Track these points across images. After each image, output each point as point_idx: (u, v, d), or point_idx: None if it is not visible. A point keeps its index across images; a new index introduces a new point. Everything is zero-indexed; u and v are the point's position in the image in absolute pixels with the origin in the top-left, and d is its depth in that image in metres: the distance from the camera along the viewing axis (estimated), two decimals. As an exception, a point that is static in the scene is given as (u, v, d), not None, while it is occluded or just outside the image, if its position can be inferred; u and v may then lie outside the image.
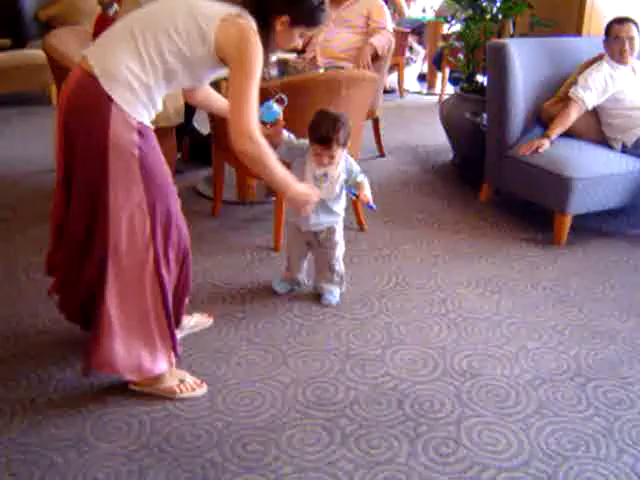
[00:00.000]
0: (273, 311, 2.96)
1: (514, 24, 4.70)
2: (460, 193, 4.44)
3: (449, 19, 4.93)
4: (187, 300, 2.48)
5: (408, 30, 6.98)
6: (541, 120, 4.07)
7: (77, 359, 2.51)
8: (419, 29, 7.72)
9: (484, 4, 4.61)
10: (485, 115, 4.31)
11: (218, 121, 3.74)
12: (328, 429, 2.26)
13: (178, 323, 2.44)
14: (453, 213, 4.10)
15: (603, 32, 3.94)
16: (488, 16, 4.63)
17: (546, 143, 3.84)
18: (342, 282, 3.07)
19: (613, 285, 3.29)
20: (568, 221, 3.69)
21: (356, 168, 2.86)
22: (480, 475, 2.09)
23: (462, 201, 4.29)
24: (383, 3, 4.85)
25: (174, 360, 2.38)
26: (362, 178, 2.83)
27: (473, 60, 4.78)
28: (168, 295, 2.25)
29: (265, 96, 2.65)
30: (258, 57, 2.09)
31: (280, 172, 2.28)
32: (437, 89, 7.38)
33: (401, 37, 6.85)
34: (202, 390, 2.42)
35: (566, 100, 3.92)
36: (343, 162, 2.82)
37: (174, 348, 2.34)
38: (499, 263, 3.47)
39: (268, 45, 2.18)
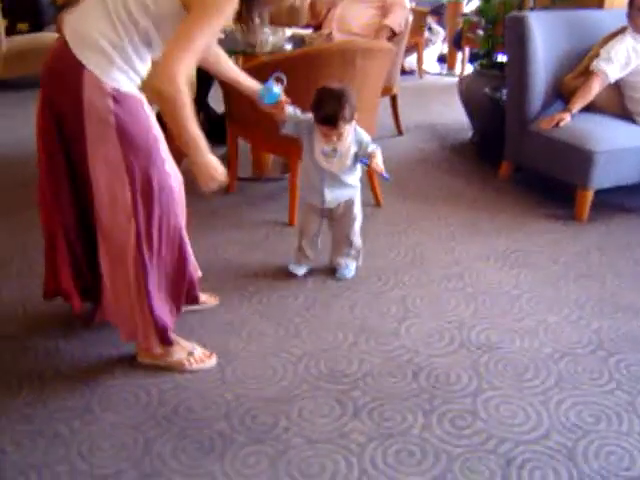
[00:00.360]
0: (286, 285, 2.90)
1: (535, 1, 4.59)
2: (479, 170, 4.35)
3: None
4: (189, 286, 2.37)
5: (427, 8, 6.87)
6: (562, 95, 3.97)
7: (86, 331, 2.47)
8: (438, 9, 7.59)
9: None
10: (505, 91, 4.21)
11: (232, 95, 3.69)
12: (340, 401, 2.20)
13: (178, 310, 2.35)
14: (472, 190, 4.02)
15: (626, 5, 3.81)
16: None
17: (567, 117, 3.74)
18: (359, 256, 3.01)
19: (637, 260, 3.19)
20: (590, 196, 3.60)
21: (366, 138, 2.75)
22: (497, 448, 2.02)
23: (481, 178, 4.20)
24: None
25: (172, 339, 2.31)
26: (373, 148, 2.74)
27: (493, 36, 4.67)
28: (149, 278, 2.16)
29: (266, 73, 2.60)
30: (226, 5, 1.90)
31: (194, 131, 1.98)
32: (457, 70, 7.26)
33: (420, 16, 6.75)
34: (212, 362, 2.37)
35: (588, 74, 3.81)
36: (352, 135, 2.73)
37: (162, 332, 2.26)
38: (519, 238, 3.39)
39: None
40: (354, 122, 2.70)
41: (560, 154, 3.68)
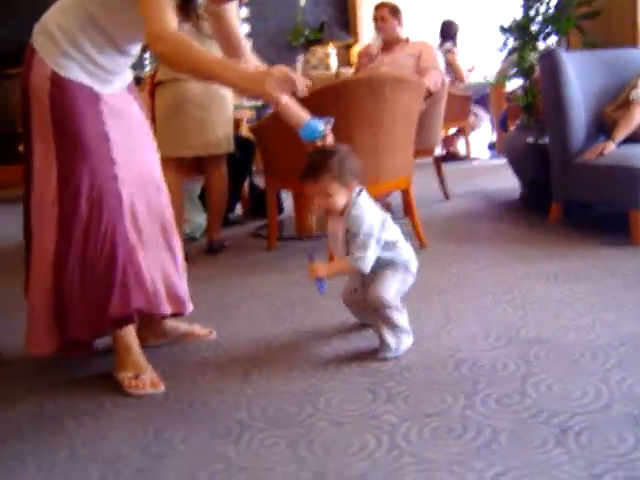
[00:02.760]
0: (321, 307, 2.73)
1: (568, 45, 4.57)
2: (528, 217, 4.16)
3: (500, 49, 4.81)
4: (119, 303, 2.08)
5: (471, 93, 6.91)
6: (604, 127, 3.84)
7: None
8: (483, 98, 7.65)
9: (534, 30, 4.49)
10: (547, 138, 4.11)
11: (268, 147, 3.70)
12: (373, 390, 2.00)
13: (103, 316, 2.07)
14: (520, 232, 3.83)
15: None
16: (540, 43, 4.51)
17: (611, 146, 3.60)
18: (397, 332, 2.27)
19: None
20: (643, 217, 3.38)
21: (362, 222, 2.14)
22: (549, 420, 1.76)
23: (530, 223, 4.01)
24: (433, 45, 4.88)
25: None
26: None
27: (530, 89, 4.62)
28: (63, 273, 2.05)
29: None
30: None
31: (218, 67, 1.91)
32: (506, 153, 7.18)
33: (464, 102, 6.80)
34: (157, 390, 2.08)
35: (628, 104, 3.70)
36: (347, 216, 2.17)
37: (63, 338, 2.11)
38: (571, 261, 3.15)
39: None
40: (354, 196, 2.19)
41: (607, 179, 3.51)
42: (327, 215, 2.29)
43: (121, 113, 2.14)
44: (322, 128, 2.25)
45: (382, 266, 2.23)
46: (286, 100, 2.01)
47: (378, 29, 4.90)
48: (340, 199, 2.16)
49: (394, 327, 2.22)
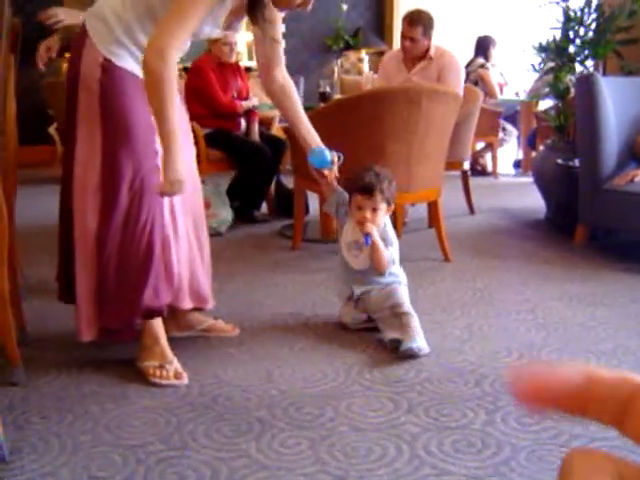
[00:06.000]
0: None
1: (604, 69, 4.55)
2: (554, 238, 4.16)
3: (535, 69, 4.81)
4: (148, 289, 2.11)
5: (501, 109, 6.91)
6: (636, 155, 3.84)
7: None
8: (512, 115, 7.64)
9: (572, 52, 4.49)
10: (577, 160, 4.10)
11: (298, 148, 3.71)
12: (394, 400, 2.01)
13: (136, 306, 2.10)
14: (545, 251, 3.83)
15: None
16: (577, 65, 4.50)
17: (642, 173, 3.59)
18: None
19: None
20: (672, 247, 3.37)
21: (393, 239, 2.54)
22: (569, 443, 1.78)
23: (555, 243, 4.01)
24: (459, 65, 4.39)
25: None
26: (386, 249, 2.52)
27: (564, 110, 4.62)
28: (102, 258, 2.07)
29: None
30: None
31: (173, 118, 1.87)
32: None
33: (493, 117, 6.79)
34: (181, 381, 2.10)
35: (661, 133, 3.70)
36: (382, 228, 2.52)
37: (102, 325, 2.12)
38: (595, 285, 3.16)
39: None
40: (387, 214, 2.55)
41: (635, 207, 3.52)
42: (360, 225, 2.47)
43: None
44: (330, 159, 2.42)
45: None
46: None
47: (404, 49, 4.26)
48: (383, 215, 2.50)
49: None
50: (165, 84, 1.85)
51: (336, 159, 2.46)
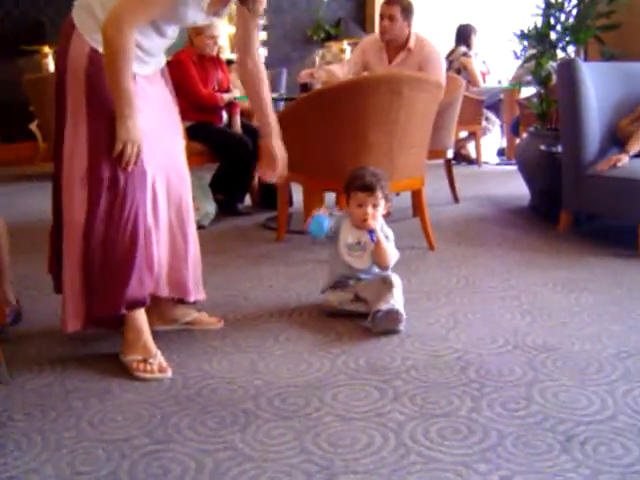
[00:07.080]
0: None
1: (586, 55, 4.56)
2: (537, 224, 4.16)
3: (517, 56, 4.80)
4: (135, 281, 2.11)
5: (484, 98, 6.90)
6: (618, 140, 3.84)
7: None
8: (495, 104, 7.64)
9: (553, 38, 4.49)
10: (560, 146, 4.11)
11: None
12: (380, 388, 2.01)
13: (122, 296, 2.09)
14: (529, 238, 3.83)
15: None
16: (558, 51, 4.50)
17: (624, 158, 3.61)
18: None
19: None
20: (654, 231, 3.38)
21: (391, 235, 2.64)
22: (555, 427, 1.78)
23: (539, 229, 4.02)
24: (440, 56, 4.34)
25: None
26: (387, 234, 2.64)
27: (546, 97, 4.61)
28: (89, 249, 2.08)
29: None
30: None
31: (130, 84, 1.96)
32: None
33: (476, 105, 6.79)
34: (165, 375, 2.09)
35: (642, 117, 3.71)
36: (379, 226, 2.60)
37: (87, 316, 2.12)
38: (579, 270, 3.16)
39: None
40: (384, 211, 2.65)
41: (618, 192, 3.52)
42: (363, 223, 2.56)
43: (152, 96, 2.15)
44: (328, 222, 2.60)
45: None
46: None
47: (383, 30, 4.22)
48: (381, 212, 2.60)
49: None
50: (120, 53, 1.91)
51: (330, 221, 2.62)
